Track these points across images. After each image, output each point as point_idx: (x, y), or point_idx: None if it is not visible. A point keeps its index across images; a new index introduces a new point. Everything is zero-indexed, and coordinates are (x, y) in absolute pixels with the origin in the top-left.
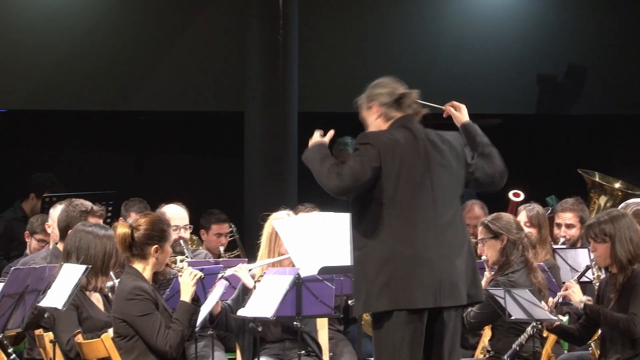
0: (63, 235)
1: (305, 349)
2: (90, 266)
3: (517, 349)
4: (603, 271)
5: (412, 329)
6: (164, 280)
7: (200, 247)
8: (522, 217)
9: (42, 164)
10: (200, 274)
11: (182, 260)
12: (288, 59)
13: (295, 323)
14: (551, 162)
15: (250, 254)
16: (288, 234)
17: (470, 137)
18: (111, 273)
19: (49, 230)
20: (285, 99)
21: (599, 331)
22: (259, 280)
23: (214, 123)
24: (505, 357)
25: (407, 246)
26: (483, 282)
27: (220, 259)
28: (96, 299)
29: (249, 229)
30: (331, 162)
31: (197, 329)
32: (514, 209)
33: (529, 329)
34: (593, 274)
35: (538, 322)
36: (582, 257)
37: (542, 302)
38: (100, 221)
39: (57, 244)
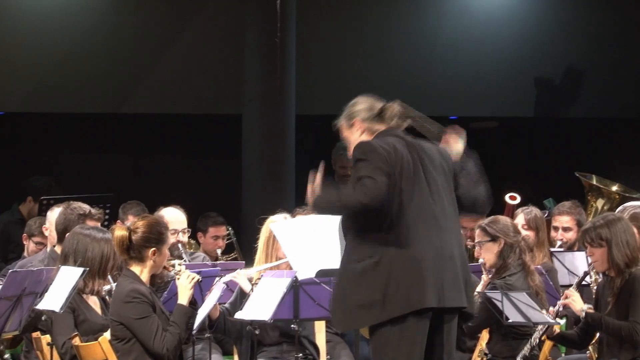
0: (61, 238)
1: (303, 352)
2: (87, 269)
3: (527, 354)
4: (601, 274)
5: (416, 333)
6: (162, 283)
7: (198, 251)
8: (520, 219)
9: (40, 166)
10: (197, 277)
11: (180, 264)
12: (286, 61)
13: (292, 326)
14: (549, 164)
15: (248, 257)
16: (285, 236)
17: (461, 167)
18: (109, 277)
19: (46, 233)
20: (283, 101)
21: (598, 334)
22: (256, 283)
23: (212, 125)
24: None
25: (412, 249)
26: (480, 285)
27: (218, 262)
28: (93, 302)
29: (247, 232)
30: (342, 187)
31: (194, 332)
32: (510, 211)
33: (536, 333)
34: (591, 278)
35: (544, 327)
36: (579, 260)
37: (543, 310)
38: (98, 224)
39: (54, 246)
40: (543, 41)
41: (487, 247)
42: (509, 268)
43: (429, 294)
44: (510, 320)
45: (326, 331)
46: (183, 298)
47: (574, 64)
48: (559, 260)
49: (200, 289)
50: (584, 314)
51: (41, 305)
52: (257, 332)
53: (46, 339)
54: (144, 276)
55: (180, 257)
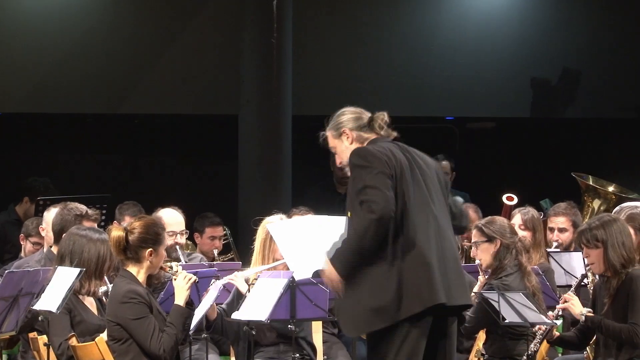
0: (57, 239)
1: (300, 352)
2: (84, 269)
3: (531, 355)
4: (597, 275)
5: (418, 337)
6: (158, 283)
7: (195, 251)
8: (517, 220)
9: (37, 167)
10: (194, 277)
11: (177, 265)
12: (282, 62)
13: (289, 326)
14: (545, 165)
15: (244, 258)
16: (282, 237)
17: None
18: (105, 278)
19: (43, 234)
20: (280, 103)
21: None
22: (253, 284)
23: (209, 126)
24: None
25: (420, 250)
26: (477, 286)
27: (215, 262)
28: (89, 302)
29: (243, 232)
30: (349, 223)
31: (191, 332)
32: (507, 212)
33: (538, 334)
34: (587, 279)
35: (546, 330)
36: (576, 260)
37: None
38: (95, 225)
39: (51, 247)
40: (540, 42)
41: (483, 247)
42: (505, 269)
43: (440, 292)
44: (507, 321)
45: (323, 331)
46: (180, 299)
47: (570, 64)
48: (556, 261)
49: (197, 290)
50: (583, 318)
51: (38, 306)
52: (253, 332)
53: (43, 339)
54: (141, 277)
55: (178, 259)
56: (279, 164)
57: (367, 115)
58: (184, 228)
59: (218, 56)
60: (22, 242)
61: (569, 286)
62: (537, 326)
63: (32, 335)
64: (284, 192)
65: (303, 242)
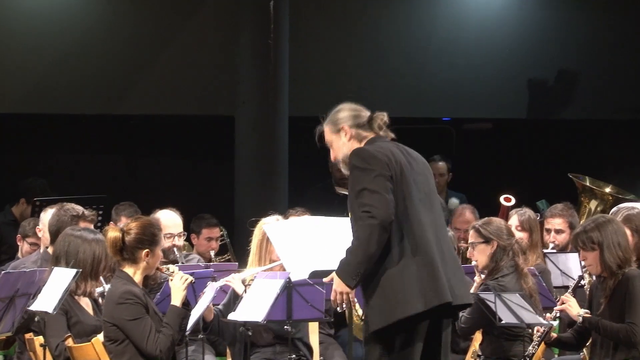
0: (54, 240)
1: (296, 353)
2: (80, 270)
3: (529, 355)
4: (594, 276)
5: (416, 337)
6: (155, 284)
7: (192, 252)
8: (514, 221)
9: (33, 168)
10: (191, 278)
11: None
12: (279, 63)
13: (285, 327)
14: (542, 166)
15: (241, 258)
16: (279, 237)
17: None
18: (101, 278)
19: (39, 234)
20: (276, 103)
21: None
22: (249, 285)
23: (205, 127)
24: None
25: (423, 250)
26: (473, 287)
27: (211, 263)
28: (85, 303)
29: (240, 233)
30: (352, 231)
31: (187, 333)
32: (504, 213)
33: (536, 335)
34: (584, 280)
35: (544, 331)
36: (572, 261)
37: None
38: (91, 225)
39: (47, 248)
40: (536, 43)
41: (480, 248)
42: (501, 269)
43: (446, 291)
44: (503, 322)
45: (319, 332)
46: (176, 299)
47: (566, 66)
48: (552, 262)
49: (194, 290)
50: (580, 318)
51: (34, 307)
52: (250, 333)
53: (39, 340)
54: (137, 277)
55: (176, 262)
56: (276, 165)
57: (365, 113)
58: (181, 230)
59: (215, 57)
60: (19, 243)
61: (566, 287)
62: (536, 328)
63: (28, 336)
64: (280, 193)
65: (300, 243)
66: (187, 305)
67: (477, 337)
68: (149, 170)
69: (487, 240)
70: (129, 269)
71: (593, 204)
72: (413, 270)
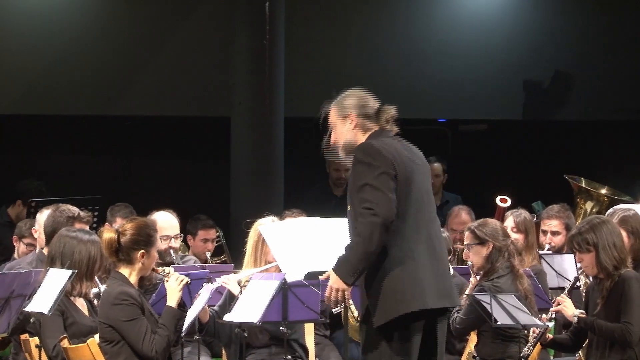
0: (49, 241)
1: (292, 354)
2: (75, 271)
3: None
4: (590, 277)
5: (413, 337)
6: (150, 285)
7: (187, 253)
8: (509, 222)
9: (29, 169)
10: (186, 279)
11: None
12: (274, 64)
13: (281, 328)
14: (538, 167)
15: (237, 260)
16: (274, 238)
17: None
18: (96, 279)
19: (35, 235)
20: (272, 104)
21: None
22: (245, 286)
23: (201, 128)
24: None
25: (419, 251)
26: (469, 288)
27: (207, 265)
28: (80, 304)
29: (236, 235)
30: (352, 233)
31: (183, 334)
32: (500, 214)
33: (531, 336)
34: (580, 281)
35: (539, 332)
36: (568, 262)
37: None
38: (87, 227)
39: (43, 248)
40: (532, 44)
41: (475, 249)
42: (497, 271)
43: (439, 294)
44: (499, 323)
45: (315, 333)
46: (172, 300)
47: (562, 67)
48: (548, 263)
49: (189, 291)
50: (576, 319)
51: (30, 308)
52: (245, 334)
53: (34, 341)
54: (133, 278)
55: (172, 264)
56: (271, 166)
57: (374, 103)
58: (178, 232)
59: (210, 58)
60: (15, 244)
61: (561, 288)
62: (531, 329)
63: (23, 337)
64: (276, 194)
65: (295, 244)
66: (183, 306)
67: (473, 338)
68: (145, 171)
69: (482, 242)
70: (124, 270)
71: (589, 206)
72: (413, 269)
